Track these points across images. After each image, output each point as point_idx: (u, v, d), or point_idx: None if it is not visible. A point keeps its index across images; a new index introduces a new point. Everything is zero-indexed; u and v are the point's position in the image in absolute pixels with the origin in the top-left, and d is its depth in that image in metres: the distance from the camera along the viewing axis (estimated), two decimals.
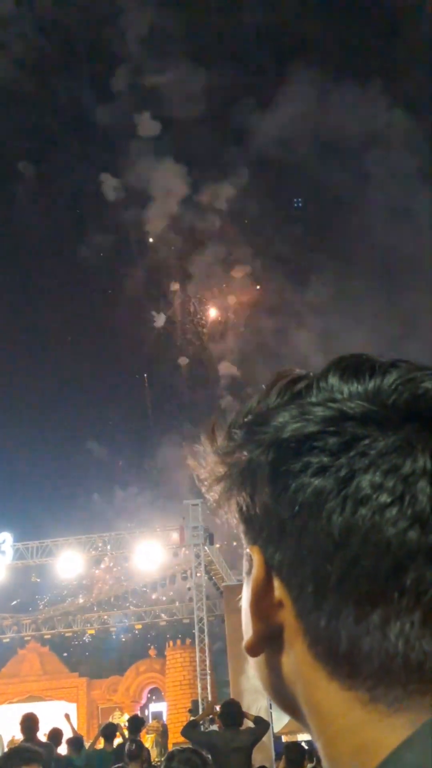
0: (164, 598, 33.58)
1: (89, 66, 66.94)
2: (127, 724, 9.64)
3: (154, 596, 32.10)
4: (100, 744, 11.13)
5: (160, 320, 65.04)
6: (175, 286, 65.81)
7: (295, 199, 67.57)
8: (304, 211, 67.62)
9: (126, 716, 20.04)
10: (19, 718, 8.06)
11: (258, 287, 65.23)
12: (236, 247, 64.08)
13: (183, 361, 65.76)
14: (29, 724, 7.27)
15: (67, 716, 12.75)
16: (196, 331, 65.88)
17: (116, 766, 6.69)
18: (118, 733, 10.00)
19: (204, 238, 64.20)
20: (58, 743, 10.04)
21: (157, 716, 31.57)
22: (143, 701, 34.39)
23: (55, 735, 10.06)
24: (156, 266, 65.31)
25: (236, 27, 66.14)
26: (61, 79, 65.44)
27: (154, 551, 24.32)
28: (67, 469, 63.28)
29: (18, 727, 8.15)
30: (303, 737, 24.88)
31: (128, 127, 62.06)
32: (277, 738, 22.11)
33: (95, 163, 66.86)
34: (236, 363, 62.81)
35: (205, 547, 23.59)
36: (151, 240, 65.10)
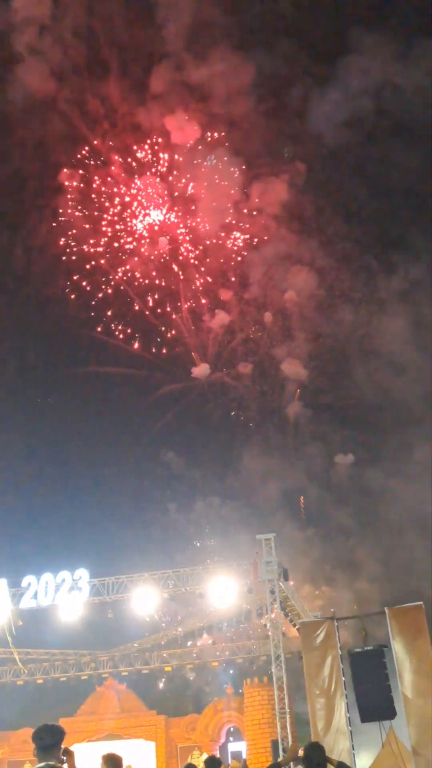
0: (240, 635, 33.22)
1: (129, 68, 62.66)
2: (203, 765, 9.46)
3: (229, 633, 31.78)
4: None
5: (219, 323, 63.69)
6: (229, 294, 64.24)
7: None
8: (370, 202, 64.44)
9: (205, 755, 19.78)
10: (98, 757, 7.97)
11: (321, 286, 62.72)
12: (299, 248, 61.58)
13: (245, 368, 64.88)
14: (114, 763, 7.12)
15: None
16: (259, 336, 64.93)
17: None
18: None
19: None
20: None
21: (237, 756, 31.05)
22: (222, 740, 33.92)
23: None
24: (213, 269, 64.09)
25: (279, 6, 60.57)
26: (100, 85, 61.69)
27: (228, 587, 24.15)
28: (144, 504, 63.66)
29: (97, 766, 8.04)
30: None
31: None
32: None
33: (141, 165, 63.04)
34: (303, 365, 61.30)
35: (280, 583, 23.29)
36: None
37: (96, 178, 60.89)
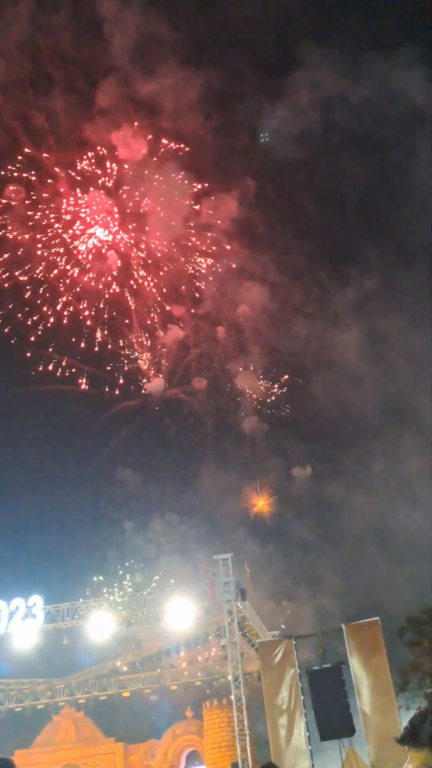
0: (199, 658, 32.97)
1: (74, 82, 61.36)
2: None
3: (187, 655, 31.51)
4: None
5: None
6: (182, 310, 63.95)
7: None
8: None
9: None
10: None
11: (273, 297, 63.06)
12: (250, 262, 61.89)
13: (200, 383, 64.19)
14: None
15: None
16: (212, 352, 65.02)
17: None
18: None
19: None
20: None
21: None
22: (182, 765, 33.50)
23: None
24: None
25: (228, 21, 60.75)
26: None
27: (185, 609, 24.01)
28: (100, 525, 62.84)
29: None
30: None
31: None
32: None
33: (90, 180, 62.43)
34: (258, 378, 62.02)
35: (238, 603, 23.23)
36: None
37: (38, 194, 59.79)
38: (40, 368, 61.46)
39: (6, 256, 59.12)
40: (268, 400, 61.98)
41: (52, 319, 62.06)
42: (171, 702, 37.35)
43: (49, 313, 62.29)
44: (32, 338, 61.09)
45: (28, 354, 60.75)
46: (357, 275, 59.20)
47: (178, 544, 55.61)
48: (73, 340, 63.52)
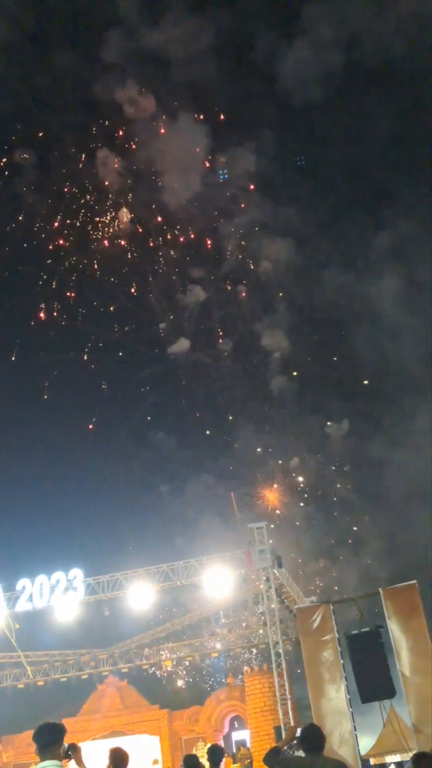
0: (238, 624, 33.32)
1: (79, 38, 59.49)
2: (206, 755, 9.50)
3: (227, 623, 31.89)
4: None
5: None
6: (203, 271, 61.92)
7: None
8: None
9: (208, 746, 19.91)
10: (103, 755, 7.98)
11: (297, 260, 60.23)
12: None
13: (225, 344, 62.57)
14: (120, 759, 7.13)
15: (155, 762, 12.60)
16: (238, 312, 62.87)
17: None
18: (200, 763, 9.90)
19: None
20: None
21: (242, 743, 31.24)
22: (225, 730, 34.09)
23: None
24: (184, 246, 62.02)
25: None
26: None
27: (223, 577, 24.24)
28: (135, 499, 62.21)
29: (103, 763, 8.06)
30: (391, 759, 24.34)
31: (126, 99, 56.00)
32: (364, 760, 21.68)
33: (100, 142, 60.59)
34: (287, 336, 59.44)
35: (274, 570, 23.41)
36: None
37: (48, 158, 58.11)
38: (61, 335, 60.51)
39: (21, 221, 57.91)
40: (300, 359, 60.45)
41: (70, 285, 61.21)
42: (212, 669, 37.91)
43: (68, 277, 61.29)
44: (55, 305, 60.04)
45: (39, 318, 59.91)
46: (391, 218, 55.77)
47: (216, 507, 55.13)
48: (95, 304, 62.73)
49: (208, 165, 59.42)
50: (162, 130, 58.39)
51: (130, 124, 58.27)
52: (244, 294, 62.44)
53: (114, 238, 60.58)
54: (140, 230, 61.27)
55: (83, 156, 59.05)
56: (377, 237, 57.58)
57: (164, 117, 58.08)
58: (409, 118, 56.35)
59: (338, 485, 55.53)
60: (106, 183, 59.38)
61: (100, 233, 60.62)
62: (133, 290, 62.09)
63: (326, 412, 58.04)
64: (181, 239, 62.31)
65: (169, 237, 62.40)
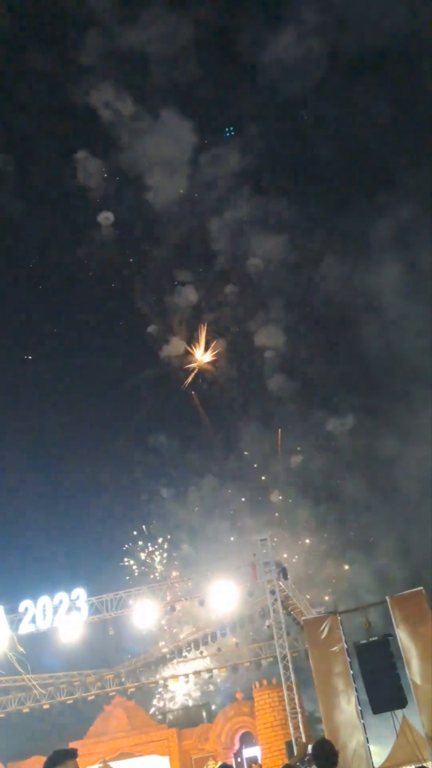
0: (245, 639, 32.96)
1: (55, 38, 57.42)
2: None
3: (233, 637, 31.52)
4: None
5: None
6: (192, 272, 60.94)
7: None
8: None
9: (220, 764, 19.54)
10: None
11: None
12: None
13: (218, 345, 61.03)
14: None
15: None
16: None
17: None
18: None
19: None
20: None
21: (253, 761, 30.77)
22: (236, 747, 33.60)
23: None
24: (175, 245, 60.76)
25: None
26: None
27: (228, 591, 23.94)
28: (137, 519, 61.38)
29: None
30: None
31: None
32: None
33: (79, 145, 58.50)
34: (284, 333, 58.23)
35: (280, 582, 23.13)
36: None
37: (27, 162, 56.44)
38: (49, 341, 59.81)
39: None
40: (301, 356, 59.43)
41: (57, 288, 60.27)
42: (220, 685, 37.49)
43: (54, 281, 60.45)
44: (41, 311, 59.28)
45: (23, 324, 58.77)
46: (390, 205, 54.03)
47: (222, 511, 54.28)
48: (86, 314, 61.71)
49: (194, 163, 57.55)
50: (145, 130, 56.67)
51: (111, 124, 56.95)
52: (237, 292, 61.51)
53: (101, 242, 59.84)
54: (126, 232, 60.45)
55: (63, 159, 57.82)
56: (376, 225, 55.98)
57: (147, 116, 56.70)
58: (402, 104, 54.93)
59: (346, 484, 54.43)
60: (89, 186, 58.32)
61: (86, 237, 59.85)
62: (122, 292, 61.27)
63: (332, 409, 56.95)
64: (169, 240, 61.35)
65: (156, 238, 61.42)
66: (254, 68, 57.62)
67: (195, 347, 61.54)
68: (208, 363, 62.07)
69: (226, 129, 59.41)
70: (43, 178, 57.87)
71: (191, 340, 62.06)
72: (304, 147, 61.33)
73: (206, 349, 61.65)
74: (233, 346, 62.01)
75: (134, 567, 53.17)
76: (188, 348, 61.66)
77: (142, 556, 55.21)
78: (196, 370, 61.97)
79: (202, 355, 61.65)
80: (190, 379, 61.72)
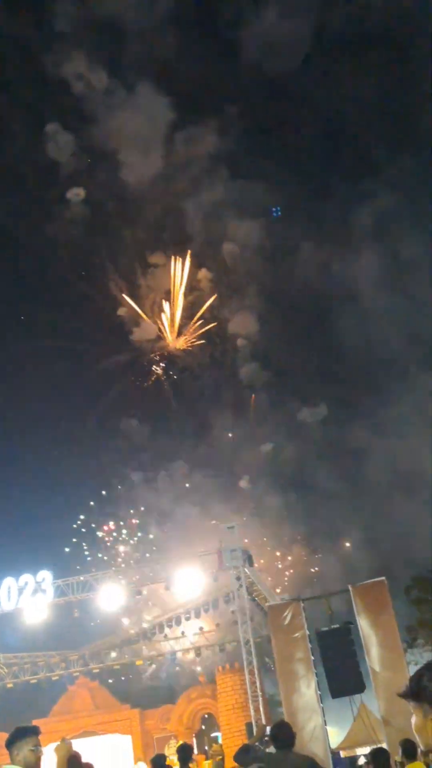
0: (209, 623, 33.40)
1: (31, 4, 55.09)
2: (176, 753, 9.54)
3: (198, 622, 31.93)
4: None
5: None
6: (165, 255, 59.53)
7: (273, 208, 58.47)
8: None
9: (180, 744, 19.94)
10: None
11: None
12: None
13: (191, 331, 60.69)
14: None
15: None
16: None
17: None
18: (170, 761, 9.95)
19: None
20: None
21: (214, 740, 31.36)
22: (198, 728, 34.16)
23: None
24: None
25: None
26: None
27: (193, 577, 24.30)
28: (102, 502, 60.45)
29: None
30: (362, 751, 24.61)
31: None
32: (335, 753, 21.91)
33: (50, 118, 56.10)
34: (258, 321, 57.18)
35: (245, 569, 23.52)
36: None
37: None
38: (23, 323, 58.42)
39: None
40: (275, 344, 58.64)
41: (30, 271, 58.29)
42: (184, 668, 37.96)
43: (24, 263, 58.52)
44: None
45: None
46: (372, 192, 53.20)
47: (192, 498, 53.87)
48: (54, 295, 59.92)
49: (170, 141, 55.99)
50: (119, 104, 55.16)
51: (84, 97, 55.24)
52: (211, 278, 60.08)
53: (70, 220, 58.06)
54: (98, 211, 58.44)
55: (33, 131, 55.51)
56: (356, 213, 55.35)
57: (122, 90, 55.31)
58: (388, 88, 53.87)
59: (316, 473, 54.29)
60: (60, 161, 56.26)
61: (55, 214, 58.00)
62: (92, 273, 59.50)
63: (304, 399, 56.45)
64: (143, 220, 59.43)
65: (127, 218, 59.43)
66: (236, 44, 56.79)
67: (166, 332, 61.00)
68: (180, 348, 61.60)
69: (273, 210, 57.58)
70: (10, 151, 55.37)
71: (163, 324, 61.46)
72: (286, 130, 59.66)
73: (178, 334, 61.07)
74: (206, 333, 61.48)
75: (102, 549, 53.34)
76: (160, 332, 61.00)
77: (110, 539, 55.39)
78: (168, 354, 61.56)
79: (174, 341, 61.21)
80: (161, 363, 61.34)
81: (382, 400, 52.75)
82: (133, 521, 56.12)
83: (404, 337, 51.08)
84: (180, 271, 59.42)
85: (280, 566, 51.11)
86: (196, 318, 60.91)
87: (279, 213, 57.74)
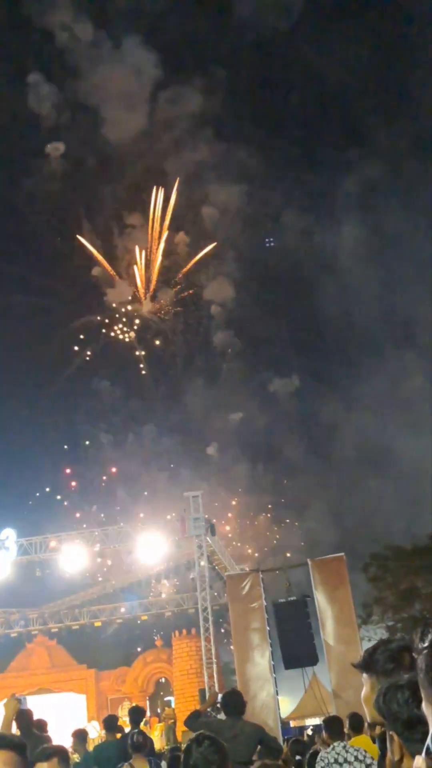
0: (169, 590, 33.75)
1: None
2: (128, 715, 9.69)
3: (158, 587, 32.29)
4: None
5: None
6: (143, 216, 58.40)
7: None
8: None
9: (132, 706, 20.22)
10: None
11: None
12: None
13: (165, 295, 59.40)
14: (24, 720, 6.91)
15: None
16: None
17: (120, 765, 6.77)
18: (122, 722, 10.11)
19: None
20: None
21: (166, 704, 31.86)
22: (152, 691, 34.66)
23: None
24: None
25: None
26: None
27: (156, 543, 24.46)
28: (70, 462, 59.80)
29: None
30: (311, 722, 25.15)
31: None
32: (285, 723, 22.39)
33: (33, 68, 54.38)
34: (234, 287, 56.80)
35: (207, 538, 23.75)
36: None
37: None
38: None
39: None
40: (249, 313, 57.83)
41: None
42: (141, 632, 38.34)
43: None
44: None
45: None
46: (360, 161, 52.06)
47: (159, 463, 53.66)
48: (29, 250, 58.63)
49: (154, 99, 54.76)
50: (104, 58, 53.68)
51: (68, 49, 53.85)
52: (189, 241, 58.98)
53: (49, 174, 56.62)
54: (77, 167, 56.81)
55: (13, 81, 53.65)
56: (342, 182, 54.04)
57: (107, 43, 53.93)
58: (380, 55, 52.46)
59: (285, 445, 54.15)
60: (41, 113, 54.84)
61: (33, 167, 56.54)
62: (68, 230, 58.10)
63: (277, 370, 55.86)
64: (122, 178, 58.02)
65: (107, 176, 57.96)
66: (227, 3, 55.03)
67: (141, 294, 60.13)
68: (154, 312, 60.82)
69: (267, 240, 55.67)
70: None
71: (137, 286, 60.42)
72: (274, 93, 58.60)
73: (153, 298, 60.24)
74: (181, 298, 60.58)
75: (67, 510, 53.36)
76: (134, 294, 60.03)
77: (75, 500, 55.43)
78: (141, 317, 60.75)
79: (149, 303, 60.41)
80: (134, 326, 60.67)
81: (356, 375, 52.34)
82: (101, 483, 56.18)
83: (382, 313, 50.51)
84: (160, 209, 57.49)
85: (241, 536, 51.49)
86: (173, 281, 60.13)
87: (272, 243, 56.57)
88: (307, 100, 56.75)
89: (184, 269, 59.15)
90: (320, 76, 54.21)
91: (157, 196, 56.98)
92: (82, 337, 59.53)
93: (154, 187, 56.86)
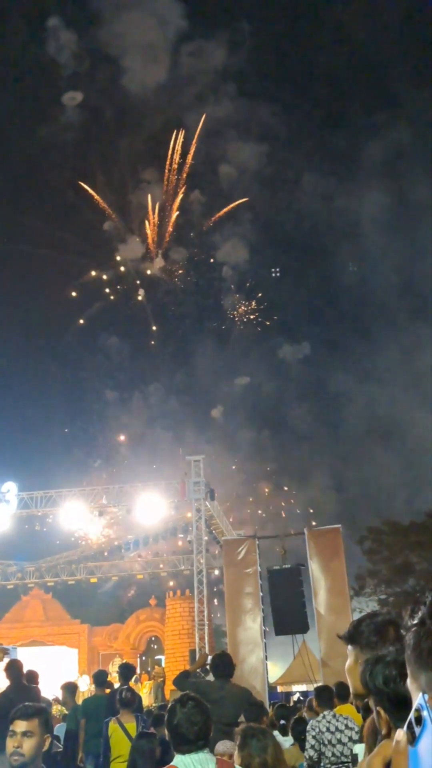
0: (166, 550, 34.02)
1: None
2: (118, 671, 9.84)
3: (155, 547, 32.55)
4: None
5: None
6: (159, 172, 56.89)
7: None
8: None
9: (122, 663, 20.50)
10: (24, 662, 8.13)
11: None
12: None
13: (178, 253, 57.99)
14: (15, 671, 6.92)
15: None
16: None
17: (108, 719, 6.87)
18: (112, 677, 10.28)
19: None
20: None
21: (157, 662, 32.30)
22: (143, 649, 35.17)
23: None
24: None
25: None
26: None
27: (155, 504, 24.61)
28: (74, 417, 59.52)
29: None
30: (297, 688, 25.53)
31: None
32: (272, 688, 22.73)
33: (53, 13, 52.27)
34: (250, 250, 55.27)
35: (206, 502, 23.88)
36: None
37: None
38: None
39: None
40: (262, 276, 56.48)
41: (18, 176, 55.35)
42: (136, 590, 38.79)
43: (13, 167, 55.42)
44: None
45: None
46: (387, 124, 50.11)
47: (165, 422, 53.33)
48: (43, 201, 57.29)
49: (178, 52, 52.89)
50: (128, 5, 52.12)
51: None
52: (205, 201, 57.54)
53: (65, 124, 54.92)
54: (93, 117, 55.23)
55: (32, 26, 51.99)
56: (367, 146, 52.56)
57: None
58: (418, 13, 51.38)
59: (292, 413, 53.59)
60: (59, 61, 52.78)
61: (49, 116, 55.05)
62: (82, 181, 56.75)
63: (289, 336, 55.00)
64: (140, 131, 56.41)
65: (124, 129, 56.45)
66: None
67: (153, 251, 59.16)
68: (166, 271, 59.93)
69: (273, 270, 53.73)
70: (8, 45, 51.96)
71: (149, 243, 59.36)
72: (301, 51, 56.21)
73: (165, 256, 59.27)
74: (194, 257, 59.35)
75: (70, 465, 53.58)
76: (146, 252, 59.00)
77: (80, 454, 55.59)
78: (152, 276, 59.93)
79: (160, 261, 59.47)
80: (145, 283, 59.85)
81: (368, 346, 51.53)
82: (105, 440, 56.21)
83: (400, 284, 49.41)
84: (177, 160, 55.93)
85: (241, 501, 51.67)
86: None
87: (278, 273, 54.58)
88: (335, 59, 54.81)
89: (205, 224, 57.87)
90: (350, 34, 52.94)
91: (177, 140, 55.29)
92: (90, 291, 58.79)
93: (174, 131, 55.23)
